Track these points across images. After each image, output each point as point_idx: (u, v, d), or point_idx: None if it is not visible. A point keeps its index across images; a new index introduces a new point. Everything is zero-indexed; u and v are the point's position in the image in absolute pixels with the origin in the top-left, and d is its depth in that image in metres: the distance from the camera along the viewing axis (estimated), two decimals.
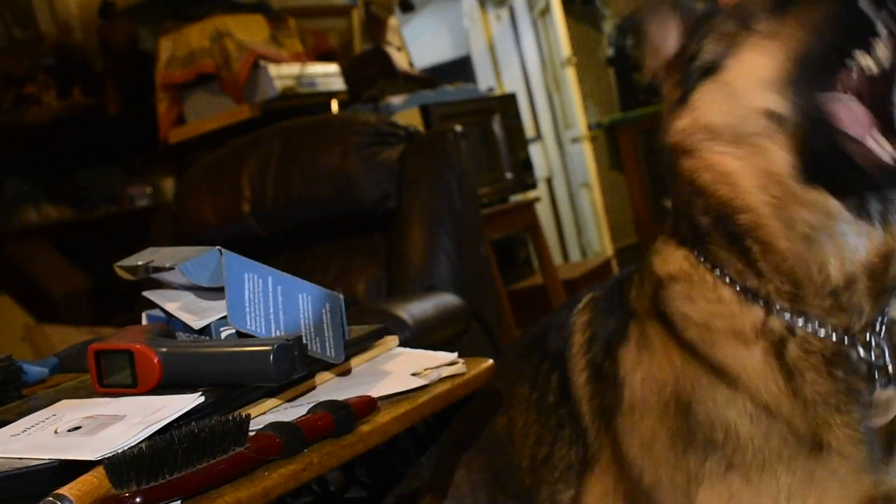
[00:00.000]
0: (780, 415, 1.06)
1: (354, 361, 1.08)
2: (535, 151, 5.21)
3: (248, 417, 0.82)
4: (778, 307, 1.06)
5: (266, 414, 0.94)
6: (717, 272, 1.10)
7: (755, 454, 1.06)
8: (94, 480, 0.75)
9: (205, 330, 1.01)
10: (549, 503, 1.30)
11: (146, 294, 1.08)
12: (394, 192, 2.60)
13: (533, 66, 5.76)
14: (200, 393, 0.87)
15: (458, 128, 2.68)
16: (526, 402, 1.37)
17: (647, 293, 1.18)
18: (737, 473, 1.07)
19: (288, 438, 0.83)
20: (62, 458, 0.80)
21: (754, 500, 1.06)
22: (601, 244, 5.71)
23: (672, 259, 1.16)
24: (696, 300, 1.11)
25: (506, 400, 1.40)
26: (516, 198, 3.97)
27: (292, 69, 3.72)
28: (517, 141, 3.88)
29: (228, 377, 0.90)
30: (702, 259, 1.11)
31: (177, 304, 1.04)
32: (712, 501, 1.08)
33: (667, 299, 1.15)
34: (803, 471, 1.05)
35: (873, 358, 1.05)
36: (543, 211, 5.31)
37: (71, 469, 0.78)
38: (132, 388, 0.92)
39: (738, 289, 1.08)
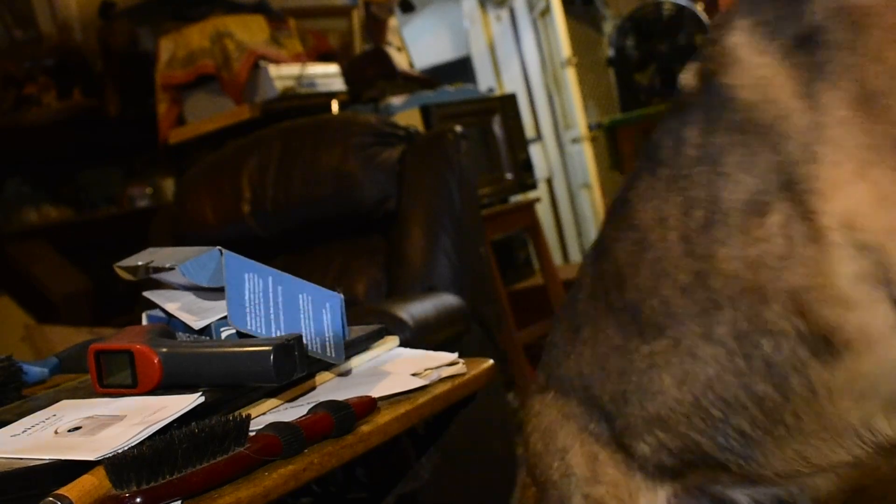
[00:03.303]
0: None
1: (354, 361, 1.08)
2: (535, 152, 5.21)
3: (249, 418, 0.82)
4: None
5: (266, 414, 0.94)
6: None
7: None
8: (93, 481, 0.75)
9: (205, 330, 1.01)
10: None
11: (146, 294, 1.08)
12: (394, 192, 2.61)
13: (533, 67, 5.76)
14: (200, 393, 0.87)
15: (458, 128, 2.68)
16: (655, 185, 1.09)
17: None
18: None
19: (288, 438, 0.83)
20: (62, 458, 0.80)
21: None
22: None
23: None
24: None
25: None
26: (516, 198, 3.97)
27: (292, 70, 3.72)
28: (517, 141, 3.87)
29: (228, 377, 0.90)
30: None
31: (177, 305, 1.04)
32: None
33: None
34: None
35: None
36: (543, 211, 5.31)
37: (71, 469, 0.78)
38: (132, 388, 0.92)
39: None
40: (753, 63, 1.01)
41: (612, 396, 1.14)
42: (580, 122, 5.68)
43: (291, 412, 0.93)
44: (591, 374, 1.17)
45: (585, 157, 5.68)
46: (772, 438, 1.06)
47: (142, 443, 0.79)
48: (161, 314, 1.06)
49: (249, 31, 3.73)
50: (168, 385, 0.91)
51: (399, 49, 4.48)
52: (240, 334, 0.98)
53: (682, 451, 1.11)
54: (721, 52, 1.05)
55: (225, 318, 0.98)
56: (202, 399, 0.87)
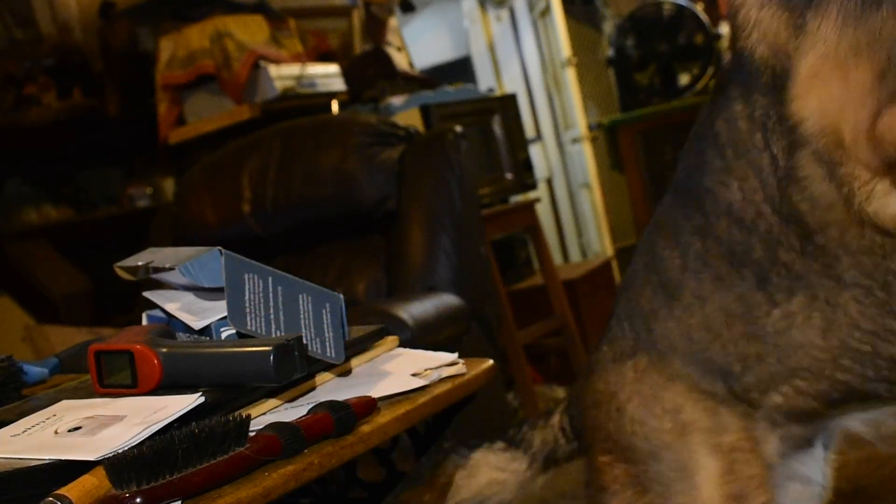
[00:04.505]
0: None
1: (354, 362, 1.08)
2: (535, 152, 5.20)
3: (249, 418, 0.82)
4: None
5: (266, 414, 0.94)
6: None
7: None
8: (94, 481, 0.75)
9: (205, 330, 1.01)
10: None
11: (146, 294, 1.08)
12: (394, 192, 2.61)
13: (533, 67, 5.75)
14: (200, 393, 0.87)
15: (458, 128, 2.68)
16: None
17: None
18: None
19: (288, 439, 0.83)
20: (62, 458, 0.80)
21: None
22: (601, 244, 5.70)
23: None
24: None
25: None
26: (516, 198, 3.97)
27: (292, 70, 3.72)
28: (517, 141, 3.87)
29: (228, 378, 0.90)
30: None
31: (177, 305, 1.04)
32: None
33: None
34: None
35: None
36: (543, 211, 5.31)
37: (71, 469, 0.78)
38: (132, 388, 0.92)
39: None
40: (761, 19, 1.07)
41: (739, 357, 1.17)
42: (580, 122, 5.67)
43: (291, 412, 0.93)
44: (706, 339, 1.19)
45: (585, 157, 5.68)
46: None
47: (142, 443, 0.79)
48: (161, 314, 1.06)
49: (249, 31, 3.73)
50: (168, 385, 0.91)
51: (399, 49, 4.48)
52: (240, 335, 0.98)
53: (823, 394, 1.15)
54: (736, 18, 1.11)
55: (225, 318, 0.98)
56: (202, 399, 0.87)
